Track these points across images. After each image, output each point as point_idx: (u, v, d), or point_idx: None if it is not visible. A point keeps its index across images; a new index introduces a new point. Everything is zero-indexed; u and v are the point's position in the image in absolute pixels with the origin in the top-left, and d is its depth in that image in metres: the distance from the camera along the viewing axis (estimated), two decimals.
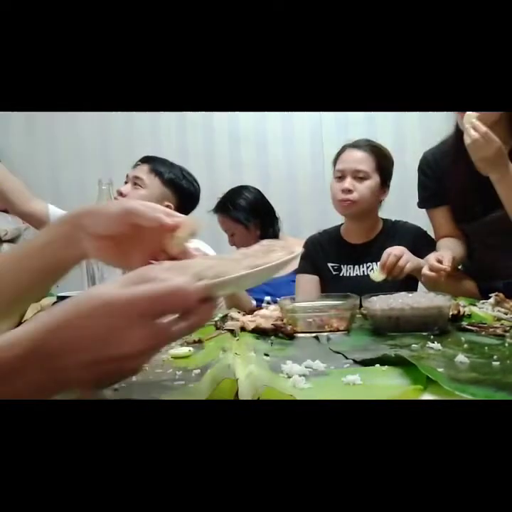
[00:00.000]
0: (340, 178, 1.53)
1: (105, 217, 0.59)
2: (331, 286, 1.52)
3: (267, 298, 1.70)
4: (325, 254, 1.60)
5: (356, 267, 1.56)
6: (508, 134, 1.26)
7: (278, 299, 1.59)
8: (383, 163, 1.54)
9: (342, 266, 1.58)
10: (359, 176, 1.50)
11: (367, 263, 1.54)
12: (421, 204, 1.53)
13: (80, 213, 0.61)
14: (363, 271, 1.55)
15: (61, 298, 0.86)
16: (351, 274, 1.56)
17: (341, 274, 1.57)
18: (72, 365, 0.41)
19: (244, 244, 1.75)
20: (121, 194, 1.49)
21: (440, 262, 1.18)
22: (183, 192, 1.58)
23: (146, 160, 1.58)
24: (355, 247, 1.59)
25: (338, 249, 1.61)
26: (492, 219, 1.34)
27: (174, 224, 0.58)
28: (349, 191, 1.49)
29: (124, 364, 0.43)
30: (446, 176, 1.41)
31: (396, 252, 1.25)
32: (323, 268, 1.59)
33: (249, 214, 2.00)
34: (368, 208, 1.53)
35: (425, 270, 1.19)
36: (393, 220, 1.61)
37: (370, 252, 1.55)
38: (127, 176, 1.56)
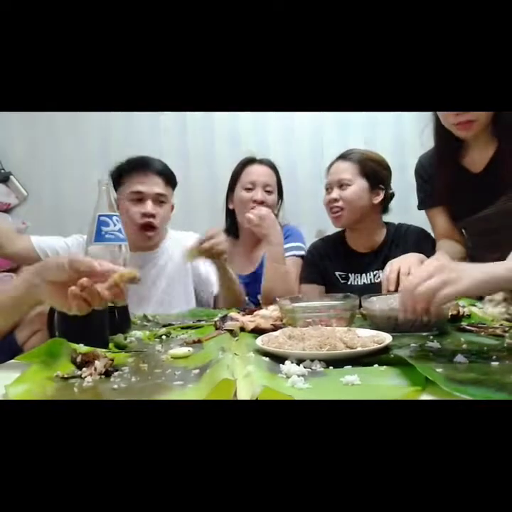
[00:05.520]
0: (328, 190, 1.59)
1: (56, 266, 0.75)
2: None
3: None
4: (331, 263, 1.63)
5: (363, 275, 1.58)
6: (490, 136, 1.32)
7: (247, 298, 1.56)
8: (370, 167, 1.57)
9: (349, 274, 1.59)
10: (343, 185, 1.55)
11: (374, 271, 1.56)
12: (420, 205, 1.56)
13: (41, 264, 0.79)
14: (371, 279, 1.57)
15: None
16: (359, 283, 1.58)
17: (349, 283, 1.58)
18: None
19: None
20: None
21: None
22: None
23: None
24: (361, 255, 1.61)
25: (345, 257, 1.63)
26: (483, 216, 1.36)
27: (102, 270, 0.75)
28: (335, 200, 1.55)
29: None
30: (435, 177, 1.45)
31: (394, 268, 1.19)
32: (330, 277, 1.61)
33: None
34: (360, 212, 1.55)
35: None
36: (396, 224, 1.62)
37: (376, 260, 1.57)
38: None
